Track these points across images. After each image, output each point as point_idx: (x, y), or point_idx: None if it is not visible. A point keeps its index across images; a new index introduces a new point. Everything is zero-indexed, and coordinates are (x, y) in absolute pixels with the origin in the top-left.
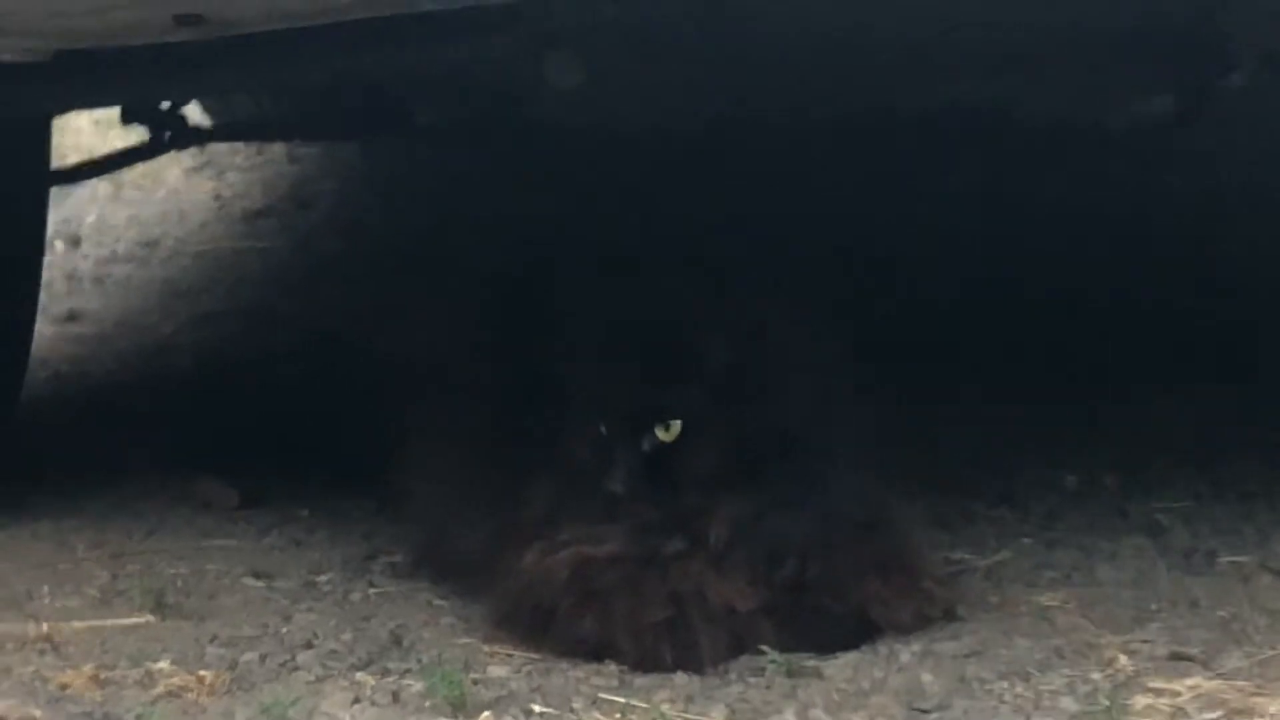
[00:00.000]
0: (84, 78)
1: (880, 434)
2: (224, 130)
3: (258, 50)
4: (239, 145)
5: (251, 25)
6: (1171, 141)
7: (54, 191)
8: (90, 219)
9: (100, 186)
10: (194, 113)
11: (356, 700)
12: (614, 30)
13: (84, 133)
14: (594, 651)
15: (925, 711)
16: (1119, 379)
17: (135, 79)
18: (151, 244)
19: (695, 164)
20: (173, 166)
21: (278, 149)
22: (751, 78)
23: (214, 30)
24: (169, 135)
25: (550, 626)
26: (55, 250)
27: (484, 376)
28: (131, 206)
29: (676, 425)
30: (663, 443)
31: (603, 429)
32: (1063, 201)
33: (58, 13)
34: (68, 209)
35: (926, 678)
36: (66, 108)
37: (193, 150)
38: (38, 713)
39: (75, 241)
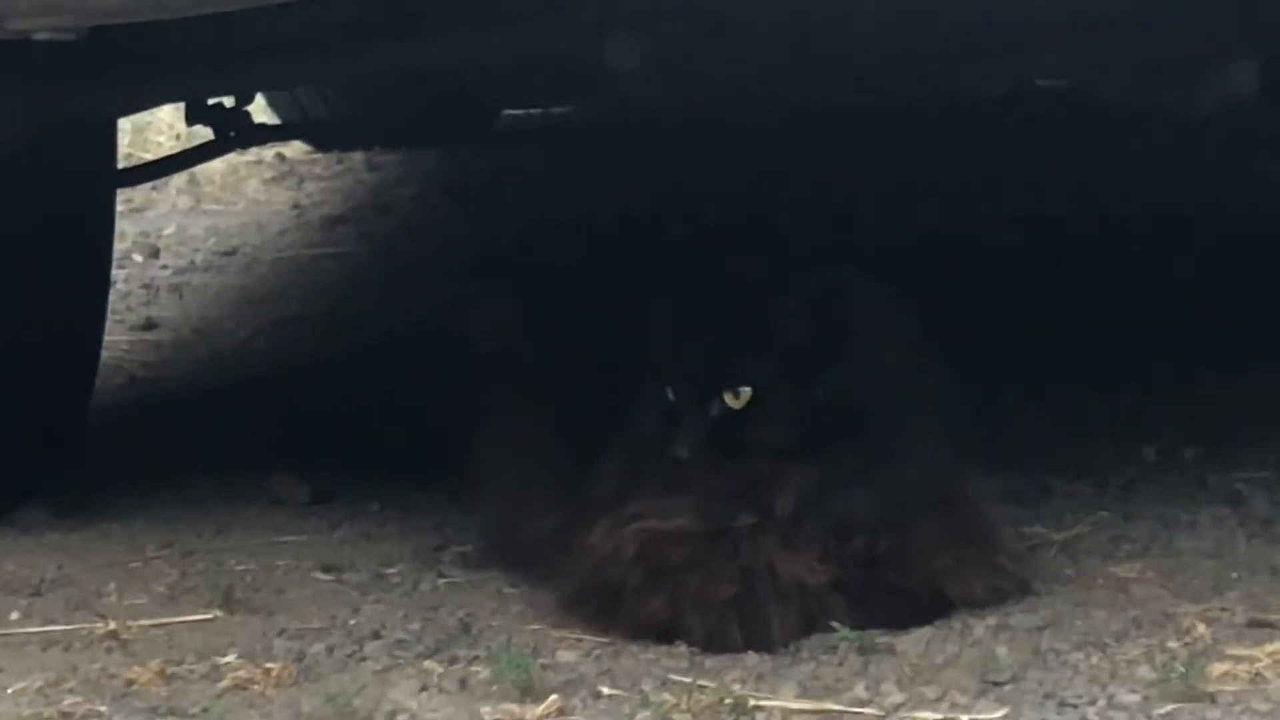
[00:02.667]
0: (138, 75)
1: (954, 409)
2: (291, 129)
3: (312, 40)
4: (318, 156)
5: None
6: (1257, 124)
7: (133, 205)
8: (169, 230)
9: (179, 199)
10: (262, 113)
11: (424, 688)
12: (673, 10)
13: (164, 148)
14: (663, 630)
15: (999, 684)
16: (1200, 354)
17: (187, 74)
18: (229, 253)
19: (770, 149)
20: (252, 178)
21: (357, 158)
22: (819, 60)
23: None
24: (234, 134)
25: (618, 606)
26: (133, 261)
27: (556, 364)
28: (210, 217)
29: (746, 393)
30: (732, 411)
31: (671, 395)
32: (1147, 185)
33: None
34: (147, 222)
35: (1000, 650)
36: (120, 105)
37: (273, 161)
38: (104, 709)
39: (154, 253)
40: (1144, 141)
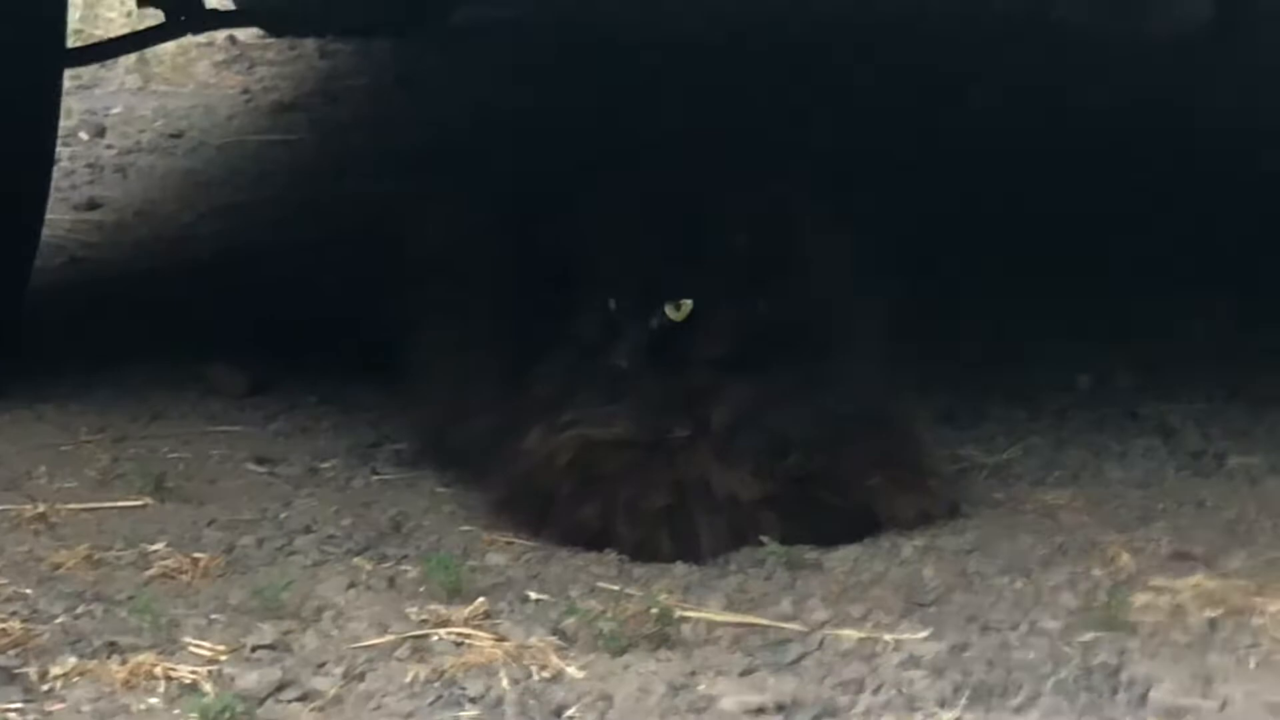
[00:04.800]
0: None
1: (893, 331)
2: (241, 16)
3: None
4: (271, 41)
5: None
6: (1209, 55)
7: (80, 82)
8: (116, 109)
9: (128, 78)
10: None
11: (352, 585)
12: None
13: (115, 25)
14: (593, 538)
15: (924, 605)
16: (1140, 288)
17: None
18: (177, 135)
19: (729, 67)
20: (203, 59)
21: (309, 45)
22: None
23: None
24: (185, 18)
25: (549, 511)
26: (79, 140)
27: (496, 264)
28: (159, 98)
29: (688, 305)
30: (672, 323)
31: (611, 304)
32: (1099, 113)
33: None
34: (94, 100)
35: (927, 572)
36: None
37: (224, 44)
38: (29, 591)
39: (100, 131)
40: (1096, 65)
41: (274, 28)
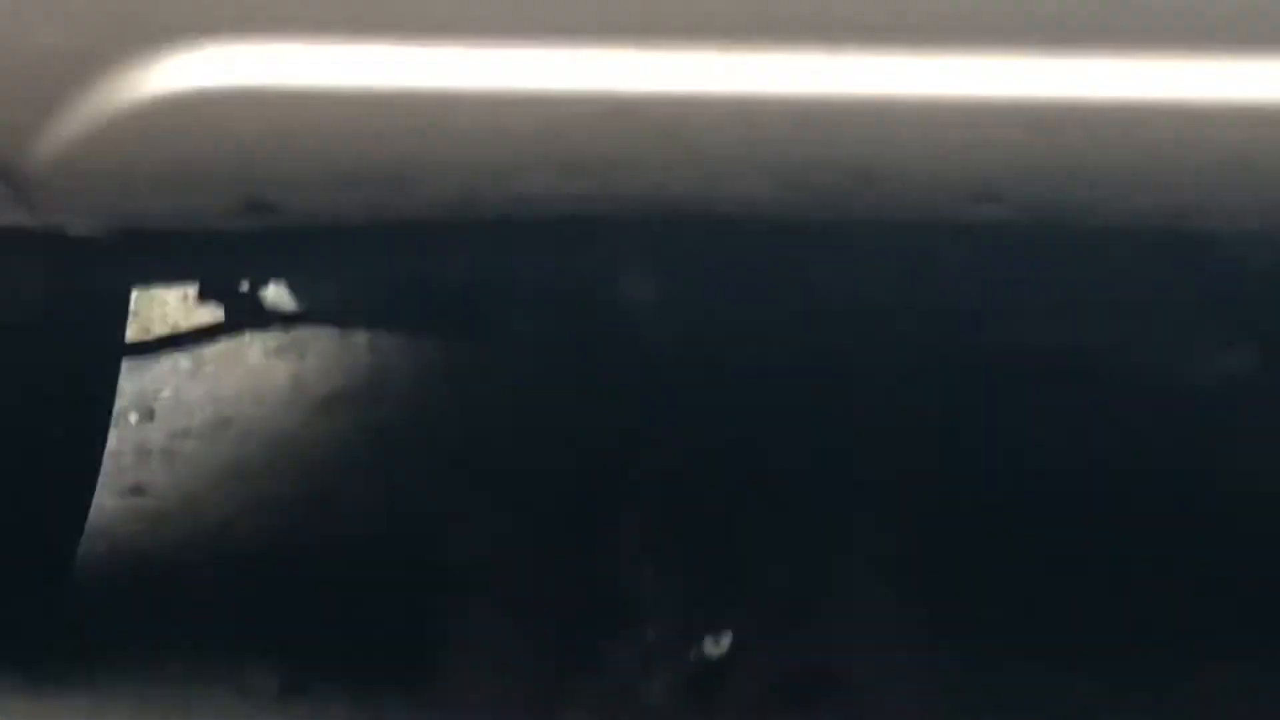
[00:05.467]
0: (158, 256)
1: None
2: (302, 316)
3: (332, 243)
4: (322, 332)
5: (327, 217)
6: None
7: (133, 365)
8: (166, 393)
9: (180, 361)
10: (276, 294)
11: None
12: (691, 253)
13: (170, 307)
14: None
15: None
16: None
17: (205, 260)
18: (225, 423)
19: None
20: (254, 344)
21: (360, 338)
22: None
23: (287, 219)
24: (244, 316)
25: None
26: (128, 422)
27: (533, 579)
28: (209, 383)
29: (728, 639)
30: (710, 658)
31: (650, 635)
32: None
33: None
34: (145, 381)
35: None
36: (139, 282)
37: (277, 333)
38: None
39: (149, 415)
40: (1131, 408)
41: (326, 321)
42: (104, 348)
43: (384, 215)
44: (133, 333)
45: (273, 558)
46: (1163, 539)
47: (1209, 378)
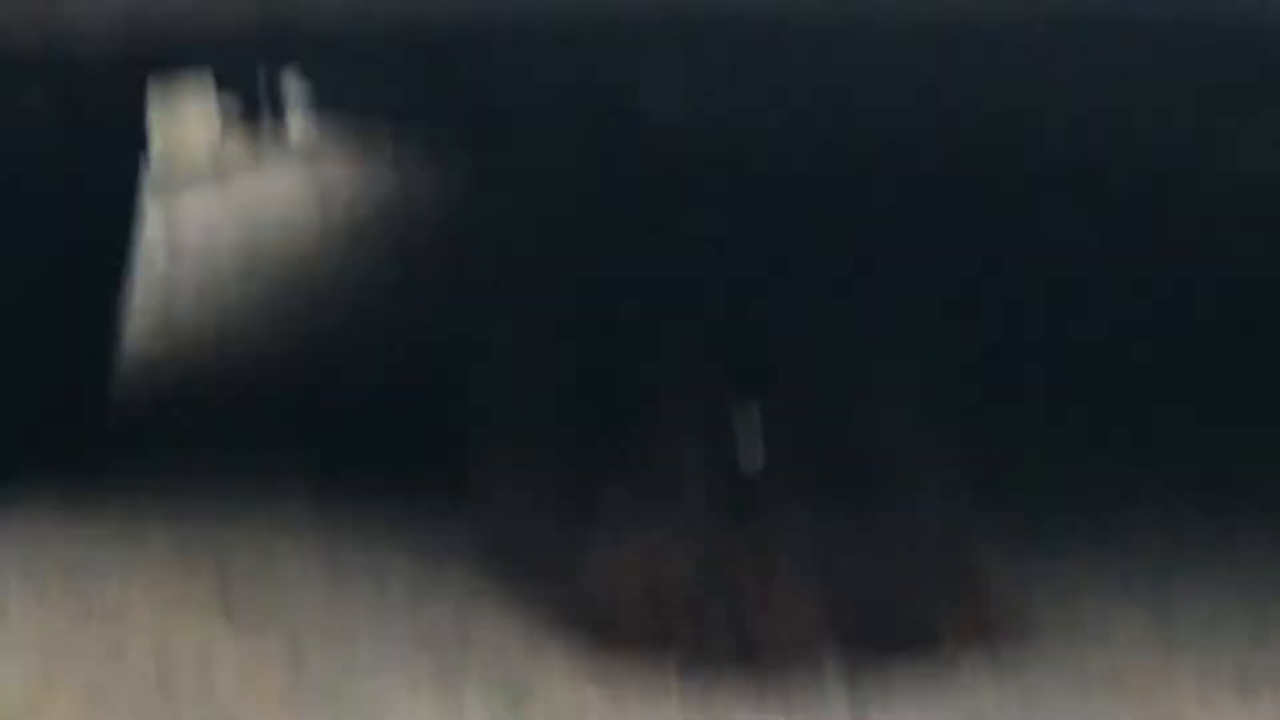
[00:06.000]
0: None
1: (960, 447)
2: (319, 104)
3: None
4: (346, 152)
5: None
6: None
7: (161, 200)
8: (195, 227)
9: (206, 193)
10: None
11: (414, 694)
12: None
13: (194, 139)
14: (656, 660)
15: None
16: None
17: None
18: (253, 252)
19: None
20: (281, 176)
21: (385, 154)
22: None
23: None
24: (262, 108)
25: (614, 631)
26: (156, 255)
27: (569, 380)
28: (236, 217)
29: (755, 419)
30: (744, 449)
31: (685, 444)
32: None
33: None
34: (171, 213)
35: (989, 696)
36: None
37: (303, 167)
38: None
39: (177, 247)
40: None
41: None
42: (128, 177)
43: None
44: (157, 166)
45: (304, 383)
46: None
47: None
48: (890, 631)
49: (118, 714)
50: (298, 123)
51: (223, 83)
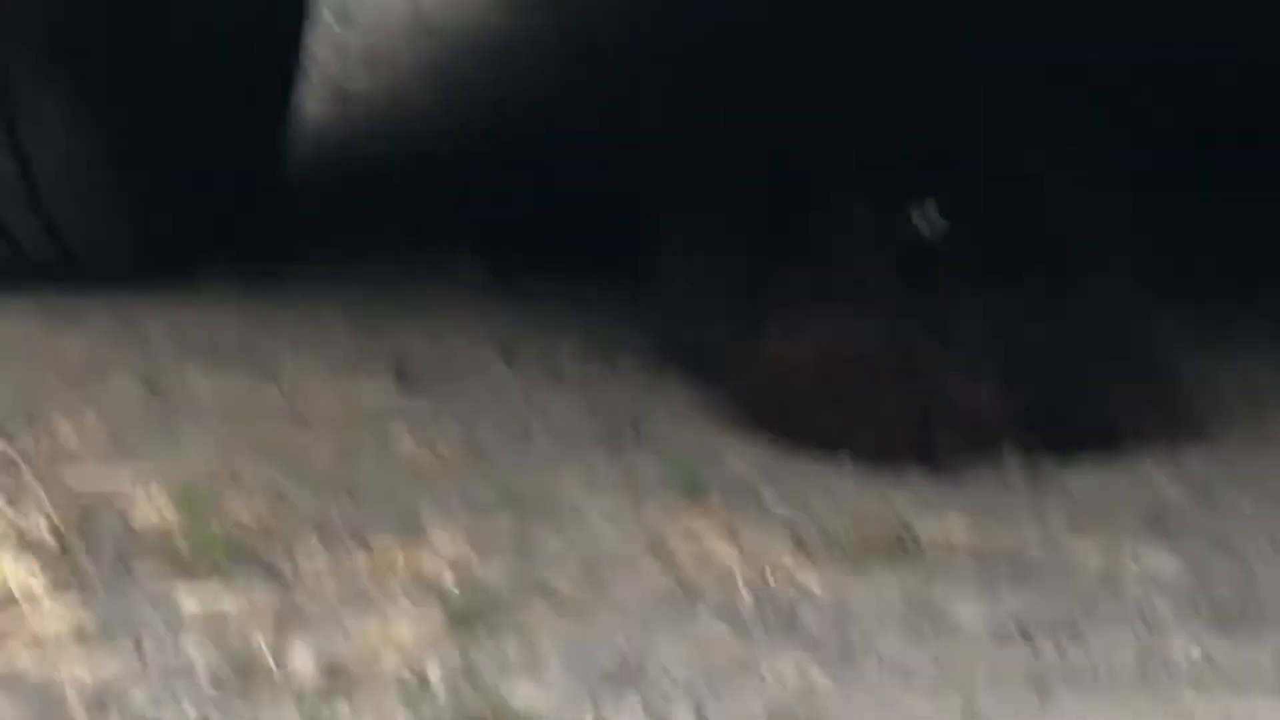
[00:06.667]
0: None
1: (1141, 243)
2: None
3: None
4: None
5: None
6: None
7: None
8: None
9: None
10: None
11: (589, 482)
12: None
13: None
14: (832, 445)
15: (1166, 525)
16: None
17: None
18: (423, 23)
19: None
20: None
21: None
22: None
23: None
24: None
25: (790, 417)
26: (328, 26)
27: (741, 167)
28: None
29: (934, 215)
30: (919, 235)
31: (857, 212)
32: None
33: None
34: None
35: (1170, 492)
36: None
37: None
38: (277, 476)
39: (347, 18)
40: None
41: None
42: None
43: None
44: None
45: (477, 155)
46: None
47: None
48: (1071, 423)
49: (299, 474)
50: None
51: None
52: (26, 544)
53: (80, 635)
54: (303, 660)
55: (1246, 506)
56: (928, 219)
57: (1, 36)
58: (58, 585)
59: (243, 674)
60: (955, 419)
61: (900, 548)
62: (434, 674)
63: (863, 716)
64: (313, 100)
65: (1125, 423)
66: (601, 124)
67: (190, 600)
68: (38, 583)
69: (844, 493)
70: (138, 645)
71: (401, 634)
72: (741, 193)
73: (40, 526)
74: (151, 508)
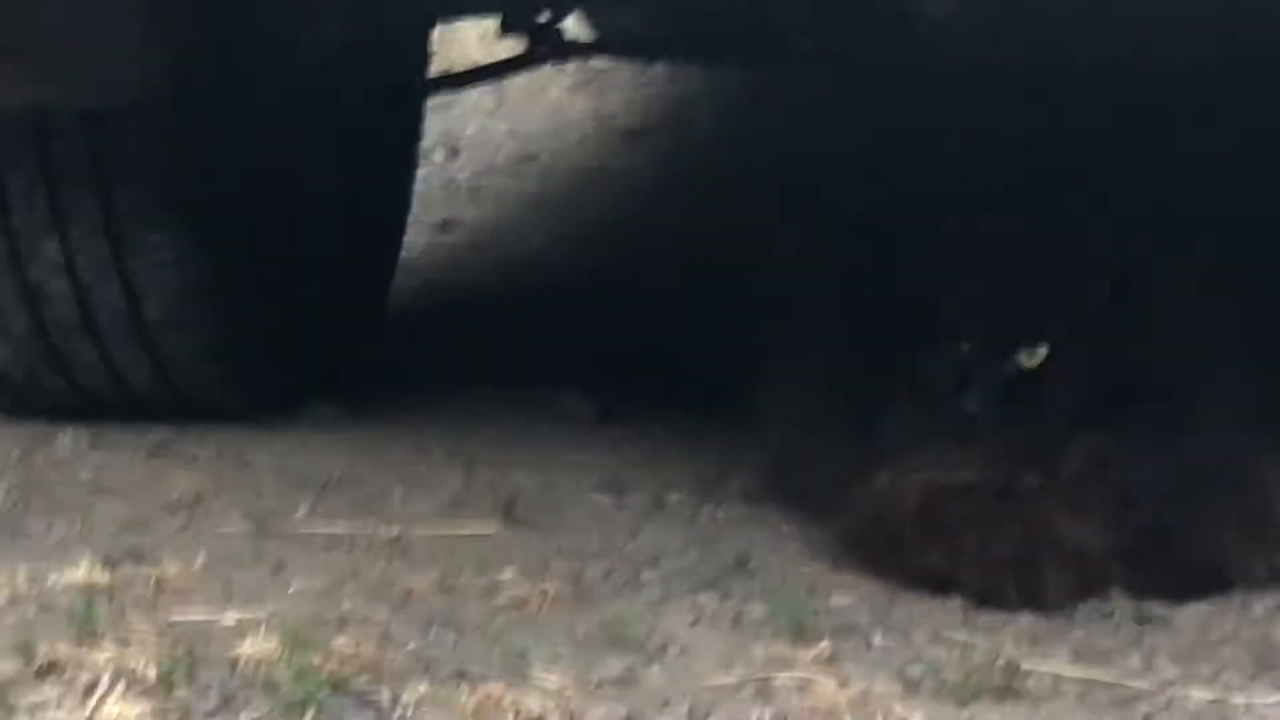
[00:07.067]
0: None
1: (1252, 385)
2: (601, 46)
3: None
4: (620, 65)
5: None
6: None
7: (437, 103)
8: (470, 130)
9: (483, 100)
10: (575, 28)
11: (696, 621)
12: None
13: (470, 45)
14: (939, 584)
15: (1276, 667)
16: None
17: None
18: (529, 158)
19: (1084, 104)
20: (554, 82)
21: (658, 71)
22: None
23: None
24: (544, 48)
25: (896, 554)
26: (434, 160)
27: (843, 300)
28: (511, 120)
29: (1042, 352)
30: (1025, 370)
31: (964, 348)
32: None
33: None
34: (449, 120)
35: (1278, 632)
36: (445, 13)
37: (576, 68)
38: (383, 615)
39: (454, 152)
40: None
41: (624, 54)
42: (408, 86)
43: None
44: (435, 72)
45: (580, 288)
46: None
47: None
48: (1179, 562)
49: (406, 613)
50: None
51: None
52: (133, 683)
53: None
54: None
55: None
56: (1032, 355)
57: (112, 178)
58: None
59: None
60: (1063, 558)
61: (1007, 688)
62: None
63: None
64: (418, 232)
65: (1233, 561)
66: (704, 254)
67: None
68: None
69: (951, 632)
70: None
71: None
72: (849, 326)
73: (146, 666)
74: (257, 647)
